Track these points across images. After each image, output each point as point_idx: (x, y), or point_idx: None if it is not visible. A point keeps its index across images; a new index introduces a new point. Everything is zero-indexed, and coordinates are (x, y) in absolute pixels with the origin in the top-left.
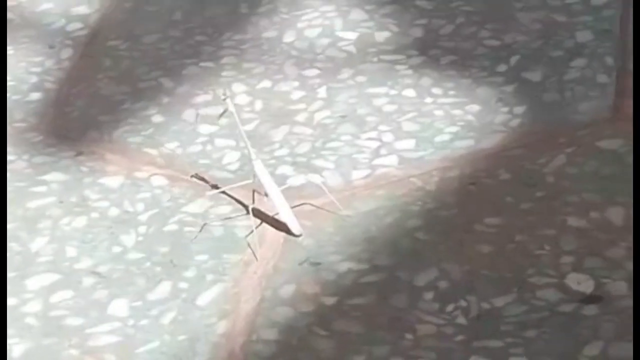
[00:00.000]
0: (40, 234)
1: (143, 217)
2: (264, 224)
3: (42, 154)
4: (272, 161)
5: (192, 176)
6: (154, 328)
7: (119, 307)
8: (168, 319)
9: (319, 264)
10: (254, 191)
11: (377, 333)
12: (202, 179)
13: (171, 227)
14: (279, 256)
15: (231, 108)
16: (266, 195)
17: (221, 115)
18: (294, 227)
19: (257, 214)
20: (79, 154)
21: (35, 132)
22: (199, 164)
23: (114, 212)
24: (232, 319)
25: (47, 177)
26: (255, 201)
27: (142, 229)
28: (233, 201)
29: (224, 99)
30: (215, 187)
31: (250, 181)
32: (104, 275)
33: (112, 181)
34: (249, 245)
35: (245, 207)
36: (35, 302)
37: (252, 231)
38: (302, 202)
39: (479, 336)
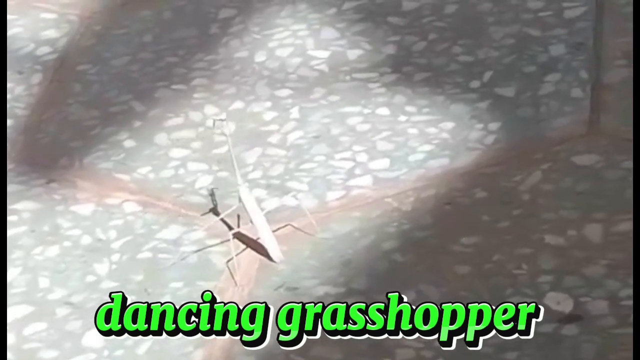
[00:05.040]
0: (12, 265)
1: (116, 245)
2: (243, 251)
3: (13, 183)
4: (246, 184)
5: (209, 192)
6: (129, 359)
7: (94, 338)
8: (143, 349)
9: (295, 289)
10: (238, 215)
11: (356, 359)
12: (213, 197)
13: (145, 254)
14: (254, 282)
15: (226, 131)
16: (251, 221)
17: (213, 124)
18: (275, 254)
19: (239, 237)
20: (51, 181)
21: (7, 160)
22: (172, 189)
23: (86, 240)
24: (209, 347)
25: (19, 206)
26: (240, 225)
27: (115, 257)
28: (207, 227)
29: (222, 120)
30: (214, 211)
31: (236, 206)
32: (78, 306)
33: (84, 209)
34: (229, 270)
35: (230, 229)
36: (9, 334)
37: (231, 258)
38: (283, 224)
39: (458, 359)
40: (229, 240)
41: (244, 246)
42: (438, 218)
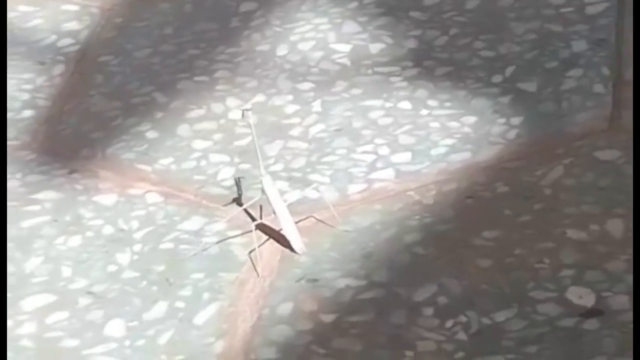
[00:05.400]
0: (34, 254)
1: (138, 235)
2: (264, 243)
3: (35, 173)
4: (268, 175)
5: (235, 181)
6: (150, 348)
7: (115, 327)
8: (165, 339)
9: (316, 280)
10: (260, 206)
11: (377, 351)
12: (239, 187)
13: (166, 245)
14: (275, 274)
15: (251, 121)
16: (273, 212)
17: (242, 116)
18: (297, 245)
19: (262, 228)
20: (73, 171)
21: (28, 151)
22: (194, 180)
23: (108, 230)
24: (230, 338)
25: (41, 195)
26: (262, 216)
27: (137, 248)
28: (229, 218)
29: (248, 110)
30: (237, 202)
31: (259, 197)
32: (100, 296)
33: (106, 199)
34: (251, 261)
35: (253, 221)
36: (30, 323)
37: (254, 249)
38: (305, 216)
39: (479, 352)
40: (250, 231)
41: (266, 237)
42: (460, 212)
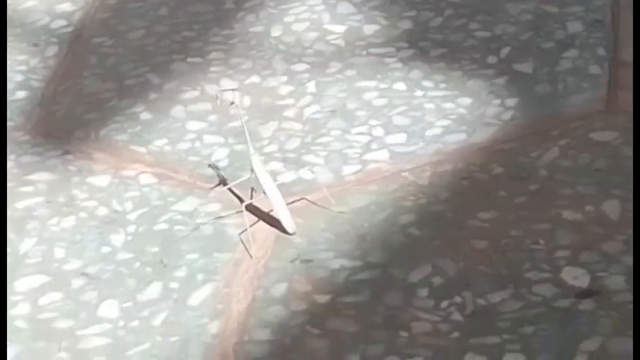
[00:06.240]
0: (28, 235)
1: (132, 217)
2: (258, 223)
3: (28, 154)
4: (262, 157)
5: (209, 165)
6: (145, 329)
7: (109, 308)
8: (159, 320)
9: (310, 261)
10: (252, 188)
11: (372, 332)
12: (217, 169)
13: (161, 226)
14: (270, 255)
15: (237, 101)
16: (264, 192)
17: (231, 103)
18: (288, 225)
19: (252, 210)
20: (66, 153)
21: (22, 132)
22: (188, 161)
23: (102, 211)
24: (224, 319)
25: (34, 176)
26: (253, 197)
27: (131, 229)
28: (222, 199)
29: (233, 90)
30: (223, 182)
31: (248, 177)
32: (94, 276)
33: (100, 180)
34: (242, 243)
35: (242, 202)
36: (24, 304)
37: (245, 229)
38: (298, 197)
39: (474, 333)
40: (241, 211)
41: (257, 219)
42: (455, 193)
